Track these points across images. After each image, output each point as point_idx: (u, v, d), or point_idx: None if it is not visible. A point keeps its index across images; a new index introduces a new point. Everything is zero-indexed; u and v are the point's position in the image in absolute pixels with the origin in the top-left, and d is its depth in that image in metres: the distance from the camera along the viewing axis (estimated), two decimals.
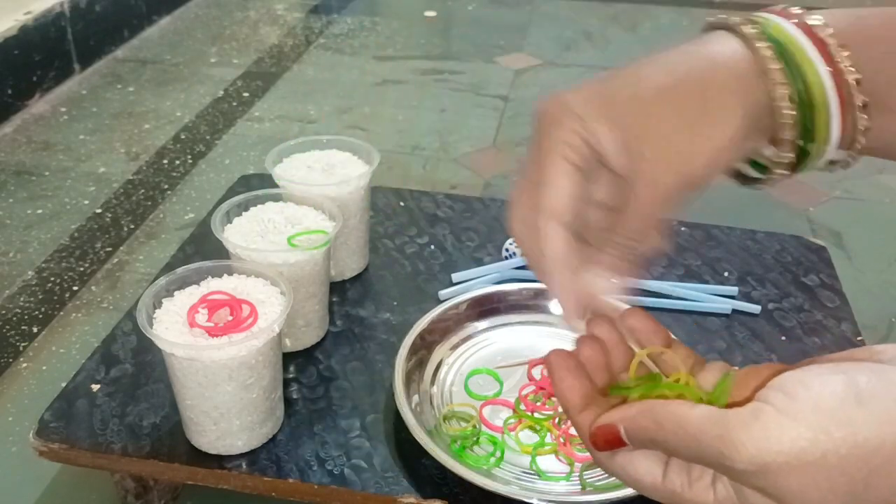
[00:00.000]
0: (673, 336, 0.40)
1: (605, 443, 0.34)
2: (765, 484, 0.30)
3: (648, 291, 0.79)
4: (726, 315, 0.77)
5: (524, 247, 0.39)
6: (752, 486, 0.30)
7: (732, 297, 0.79)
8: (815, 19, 0.37)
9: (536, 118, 0.38)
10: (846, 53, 0.36)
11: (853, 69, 0.36)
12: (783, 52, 0.37)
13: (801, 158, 0.39)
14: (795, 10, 0.38)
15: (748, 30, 0.37)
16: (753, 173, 0.41)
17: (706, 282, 0.81)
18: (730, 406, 0.32)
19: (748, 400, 0.31)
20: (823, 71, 0.36)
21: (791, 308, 0.78)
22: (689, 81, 0.37)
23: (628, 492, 0.56)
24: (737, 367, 0.38)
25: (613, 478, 0.59)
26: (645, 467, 0.34)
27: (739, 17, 0.38)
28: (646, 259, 0.38)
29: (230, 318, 0.58)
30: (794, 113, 0.37)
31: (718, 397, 0.34)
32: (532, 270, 0.39)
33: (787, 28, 0.37)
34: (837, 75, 0.36)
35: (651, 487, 0.34)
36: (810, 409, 0.29)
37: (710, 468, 0.32)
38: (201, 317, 0.58)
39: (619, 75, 0.38)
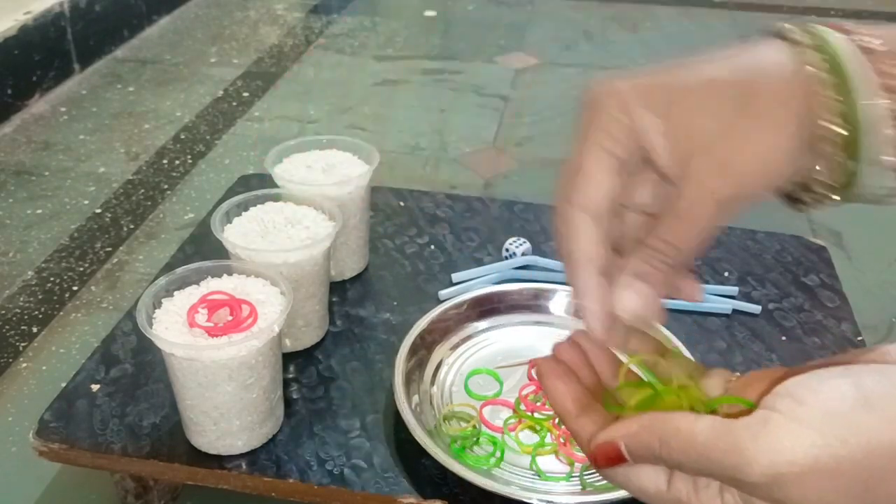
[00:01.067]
0: (673, 343, 0.39)
1: (607, 460, 0.33)
2: (779, 496, 0.29)
3: None
4: (726, 315, 0.77)
5: (558, 244, 0.36)
6: (765, 497, 0.29)
7: (732, 297, 0.79)
8: (869, 37, 0.35)
9: (583, 104, 0.36)
10: None
11: None
12: (836, 66, 0.34)
13: (851, 182, 0.36)
14: (849, 25, 0.36)
15: (803, 39, 0.35)
16: (804, 196, 0.38)
17: (706, 282, 0.81)
18: (735, 414, 0.31)
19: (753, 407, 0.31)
20: (875, 90, 0.34)
21: (791, 308, 0.78)
22: (741, 83, 0.34)
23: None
24: (738, 373, 0.37)
25: None
26: (648, 477, 0.33)
27: (794, 26, 0.36)
28: (681, 272, 0.35)
29: (230, 318, 0.58)
30: (842, 132, 0.34)
31: (722, 404, 0.33)
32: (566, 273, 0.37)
33: (842, 44, 0.35)
34: (891, 93, 0.34)
35: (656, 497, 0.33)
36: (820, 415, 0.28)
37: (719, 481, 0.31)
38: (201, 317, 0.58)
39: (670, 67, 0.36)
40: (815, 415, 0.28)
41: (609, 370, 0.38)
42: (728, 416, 0.31)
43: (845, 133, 0.34)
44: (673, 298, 0.37)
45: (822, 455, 0.28)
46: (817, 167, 0.36)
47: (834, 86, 0.34)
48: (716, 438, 0.30)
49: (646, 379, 0.37)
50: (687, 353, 0.66)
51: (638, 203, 0.37)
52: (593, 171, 0.35)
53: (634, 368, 0.38)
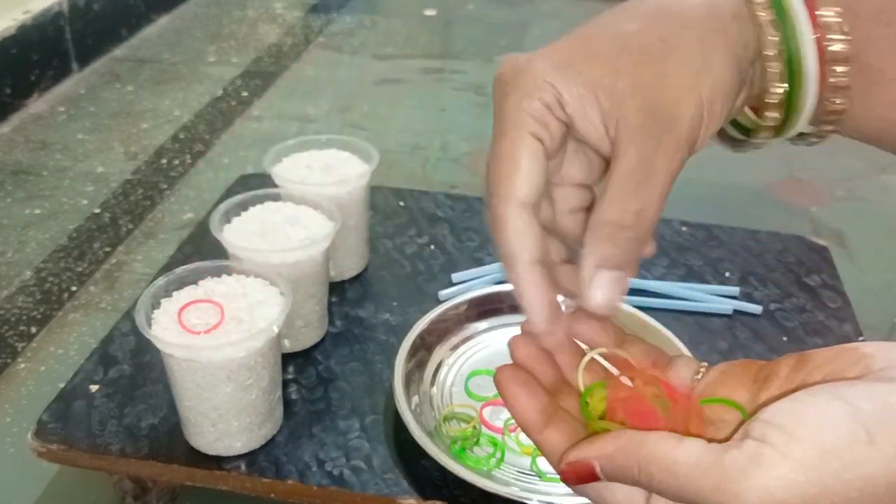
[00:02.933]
0: (627, 332, 0.37)
1: (578, 478, 0.31)
2: None
3: (649, 292, 0.78)
4: (728, 315, 0.76)
5: (494, 243, 0.33)
6: None
7: (734, 298, 0.78)
8: None
9: (495, 86, 0.33)
10: (837, 21, 0.33)
11: (842, 39, 0.33)
12: (777, 5, 0.33)
13: (784, 123, 0.35)
14: None
15: None
16: (737, 135, 0.37)
17: (707, 282, 0.81)
18: (721, 438, 0.29)
19: (734, 427, 0.29)
20: (808, 36, 0.33)
21: (793, 308, 0.78)
22: (671, 18, 0.32)
23: None
24: (706, 363, 0.35)
25: None
26: (623, 494, 0.31)
27: None
28: (636, 246, 0.32)
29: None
30: (782, 69, 0.33)
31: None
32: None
33: None
34: (820, 42, 0.33)
35: None
36: (816, 452, 0.26)
37: None
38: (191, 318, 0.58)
39: (583, 30, 0.33)
40: (811, 453, 0.26)
41: (572, 361, 0.36)
42: (712, 440, 0.29)
43: (782, 70, 0.33)
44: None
45: (818, 495, 0.26)
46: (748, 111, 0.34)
47: (772, 23, 0.33)
48: (702, 473, 0.28)
49: (608, 371, 0.35)
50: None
51: (566, 176, 0.34)
52: (519, 159, 0.32)
53: (597, 357, 0.35)
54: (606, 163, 0.33)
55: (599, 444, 0.31)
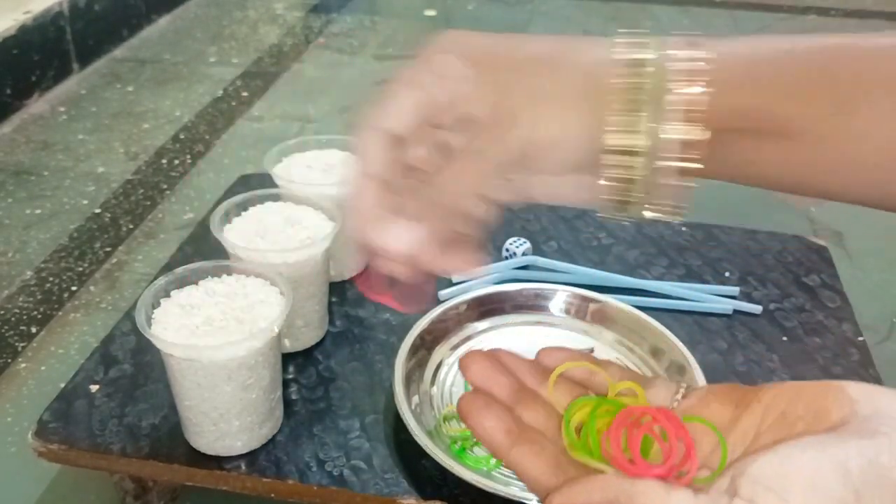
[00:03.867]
0: (600, 358, 0.38)
1: None
2: None
3: (648, 292, 0.78)
4: (727, 315, 0.76)
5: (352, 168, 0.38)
6: None
7: (733, 298, 0.78)
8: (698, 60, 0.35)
9: (425, 48, 0.38)
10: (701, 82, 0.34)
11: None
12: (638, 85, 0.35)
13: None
14: (700, 40, 0.36)
15: (625, 50, 0.35)
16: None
17: (707, 282, 0.81)
18: (705, 484, 0.29)
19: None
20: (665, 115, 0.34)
21: (792, 308, 0.78)
22: (553, 62, 0.36)
23: None
24: (685, 385, 0.36)
25: None
26: None
27: (633, 37, 0.36)
28: (467, 241, 0.36)
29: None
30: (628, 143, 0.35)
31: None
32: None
33: (654, 63, 0.35)
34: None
35: None
36: None
37: None
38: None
39: (506, 35, 0.38)
40: None
41: (531, 374, 0.38)
42: (699, 489, 0.29)
43: (631, 147, 0.35)
44: (452, 265, 0.37)
45: None
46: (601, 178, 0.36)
47: (628, 101, 0.34)
48: None
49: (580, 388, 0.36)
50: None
51: (414, 158, 0.37)
52: (400, 99, 0.36)
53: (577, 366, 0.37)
54: None
55: (587, 490, 0.31)
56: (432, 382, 0.68)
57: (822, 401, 0.30)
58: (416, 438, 0.60)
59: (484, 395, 0.36)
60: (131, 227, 1.12)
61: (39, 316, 0.95)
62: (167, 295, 0.61)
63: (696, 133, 0.34)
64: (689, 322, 0.75)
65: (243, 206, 0.71)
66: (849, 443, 0.28)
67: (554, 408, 0.36)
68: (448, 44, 0.37)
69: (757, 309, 0.77)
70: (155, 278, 0.63)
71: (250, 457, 0.61)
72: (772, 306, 0.78)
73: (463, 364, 0.37)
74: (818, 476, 0.27)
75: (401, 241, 0.36)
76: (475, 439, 0.62)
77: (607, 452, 0.33)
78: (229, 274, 0.63)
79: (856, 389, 0.30)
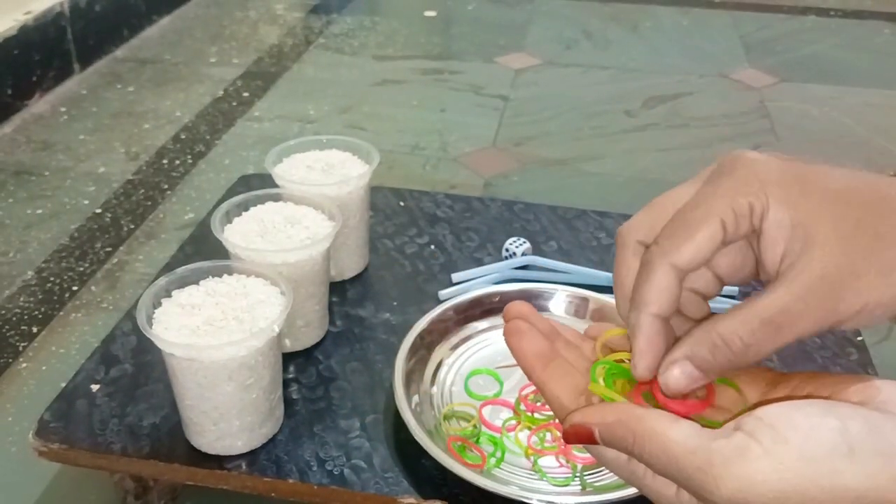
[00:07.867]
0: None
1: (578, 439, 0.34)
2: None
3: None
4: None
5: (619, 276, 0.36)
6: None
7: (733, 297, 0.78)
8: None
9: (719, 164, 0.35)
10: None
11: None
12: None
13: None
14: None
15: None
16: None
17: None
18: (713, 424, 0.31)
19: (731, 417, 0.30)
20: None
21: None
22: (875, 197, 0.32)
23: (629, 492, 0.56)
24: None
25: (614, 479, 0.59)
26: (614, 454, 0.33)
27: None
28: (728, 367, 0.33)
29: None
30: None
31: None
32: (616, 294, 0.37)
33: None
34: None
35: (614, 463, 0.34)
36: (797, 455, 0.28)
37: (685, 490, 0.31)
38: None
39: (807, 160, 0.34)
40: (793, 455, 0.28)
41: (570, 333, 0.40)
42: (706, 425, 0.31)
43: None
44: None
45: (790, 493, 0.28)
46: None
47: None
48: (689, 453, 0.30)
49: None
50: None
51: (713, 264, 0.35)
52: (696, 232, 0.33)
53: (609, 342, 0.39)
54: (757, 270, 0.35)
55: (602, 412, 0.33)
56: (432, 382, 0.68)
57: (847, 386, 0.32)
58: (416, 438, 0.60)
59: (528, 324, 0.38)
60: (132, 227, 1.12)
61: (40, 316, 0.95)
62: (168, 295, 0.61)
63: None
64: None
65: (244, 206, 0.71)
66: (858, 410, 0.30)
67: (587, 356, 0.39)
68: (753, 165, 0.33)
69: None
70: (156, 278, 0.63)
71: (251, 456, 0.61)
72: None
73: (507, 309, 0.39)
74: (818, 425, 0.29)
75: (680, 384, 0.34)
76: (475, 438, 0.63)
77: (629, 395, 0.36)
78: (230, 274, 0.63)
79: (882, 384, 0.31)
